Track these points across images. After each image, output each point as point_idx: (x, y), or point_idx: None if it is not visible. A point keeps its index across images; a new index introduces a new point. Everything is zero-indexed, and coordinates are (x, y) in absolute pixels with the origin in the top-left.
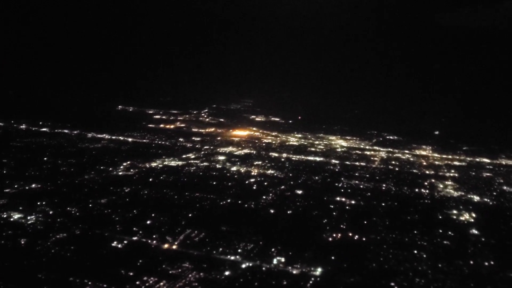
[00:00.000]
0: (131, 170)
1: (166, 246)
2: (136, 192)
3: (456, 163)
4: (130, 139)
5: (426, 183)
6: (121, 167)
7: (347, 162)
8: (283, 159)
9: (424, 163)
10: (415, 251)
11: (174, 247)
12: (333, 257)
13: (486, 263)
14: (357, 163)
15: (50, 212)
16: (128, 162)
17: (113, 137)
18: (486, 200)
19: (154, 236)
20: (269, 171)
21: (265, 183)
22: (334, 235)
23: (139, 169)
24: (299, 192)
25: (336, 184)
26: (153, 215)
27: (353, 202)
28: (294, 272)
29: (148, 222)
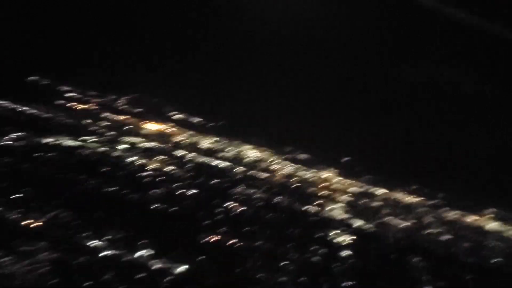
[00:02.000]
0: (19, 141)
1: (27, 222)
2: (14, 164)
3: (353, 189)
4: (30, 111)
5: (317, 203)
6: (8, 136)
7: (251, 172)
8: (187, 159)
9: (323, 184)
10: (284, 263)
11: (36, 224)
12: (200, 258)
13: (345, 283)
14: (260, 174)
15: None
16: (19, 134)
17: (12, 106)
18: (367, 226)
19: (17, 211)
20: (168, 168)
21: (159, 178)
22: (211, 237)
23: (28, 142)
24: (191, 192)
25: (232, 190)
26: (24, 190)
27: (241, 209)
28: (155, 267)
29: (16, 196)
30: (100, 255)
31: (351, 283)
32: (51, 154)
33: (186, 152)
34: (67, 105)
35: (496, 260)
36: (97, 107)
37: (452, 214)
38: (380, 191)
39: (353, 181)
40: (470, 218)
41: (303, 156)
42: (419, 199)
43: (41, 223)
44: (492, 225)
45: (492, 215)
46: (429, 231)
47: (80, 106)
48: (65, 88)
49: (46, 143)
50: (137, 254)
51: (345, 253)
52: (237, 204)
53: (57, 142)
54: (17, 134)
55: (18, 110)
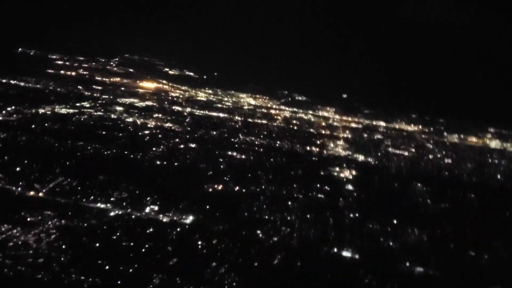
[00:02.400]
0: (14, 115)
1: (31, 193)
2: (13, 137)
3: (353, 125)
4: (22, 83)
5: (318, 142)
6: (3, 112)
7: (249, 120)
8: (185, 114)
9: (323, 124)
10: (289, 203)
11: (40, 194)
12: (207, 207)
13: (351, 215)
14: (259, 121)
15: None
16: (13, 107)
17: (3, 81)
18: (369, 160)
19: (20, 183)
20: (167, 124)
21: (159, 136)
22: (216, 186)
23: (24, 114)
24: (192, 145)
25: (232, 139)
26: (25, 162)
27: (243, 156)
28: (164, 220)
29: (18, 168)
30: (108, 216)
31: (356, 215)
32: (48, 123)
33: (184, 108)
34: (59, 73)
35: (499, 177)
36: (88, 72)
37: (453, 138)
38: (381, 123)
39: (353, 117)
40: (471, 140)
41: (300, 98)
42: (420, 127)
43: (44, 193)
44: (494, 143)
45: (493, 134)
46: (431, 157)
47: (72, 73)
48: (54, 56)
49: (42, 114)
50: (145, 211)
51: (348, 188)
52: (238, 152)
53: (52, 111)
54: (11, 107)
55: (8, 83)
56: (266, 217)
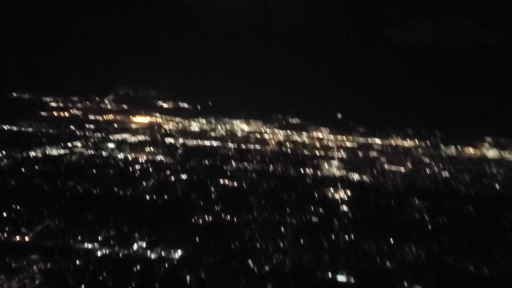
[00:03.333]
0: (4, 160)
1: (17, 238)
2: (1, 182)
3: (348, 144)
4: (14, 128)
5: (312, 164)
6: None
7: (243, 146)
8: (178, 145)
9: (317, 145)
10: (282, 229)
11: (26, 238)
12: (197, 239)
13: (347, 237)
14: (252, 146)
15: None
16: (3, 152)
17: None
18: (364, 178)
19: (6, 229)
20: (159, 157)
21: (150, 170)
22: (206, 217)
23: (14, 159)
24: (184, 176)
25: (225, 167)
26: (12, 206)
27: (235, 184)
28: (152, 256)
29: (5, 214)
30: (95, 256)
31: (351, 236)
32: (38, 166)
33: (176, 139)
34: (52, 114)
35: (497, 187)
36: (82, 111)
37: (450, 150)
38: (376, 141)
39: (348, 137)
40: (469, 150)
41: (294, 120)
42: (416, 141)
43: (31, 237)
44: (491, 153)
45: (490, 143)
46: (428, 171)
47: (65, 114)
48: (48, 98)
49: (33, 156)
50: (132, 248)
51: (343, 208)
52: (230, 180)
53: (43, 153)
54: (1, 153)
55: (1, 129)
56: (258, 245)
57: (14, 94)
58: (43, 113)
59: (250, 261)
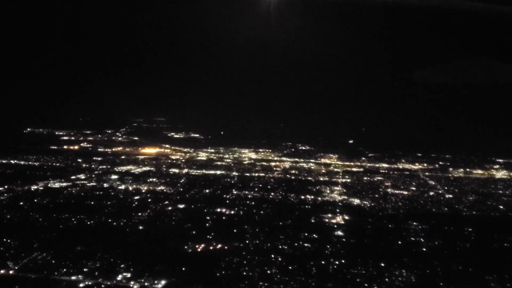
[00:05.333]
0: (5, 194)
1: (2, 271)
2: None
3: (354, 169)
4: (22, 162)
5: (314, 189)
6: None
7: (247, 174)
8: (181, 175)
9: (323, 171)
10: (272, 256)
11: (11, 272)
12: (183, 268)
13: (337, 262)
14: (256, 174)
15: None
16: (5, 186)
17: (3, 161)
18: (365, 203)
19: None
20: (159, 188)
21: (149, 200)
22: (196, 246)
23: (15, 192)
24: (181, 206)
25: (225, 195)
26: (3, 240)
27: (232, 212)
28: (135, 287)
29: None
30: (80, 286)
31: (342, 261)
32: (37, 199)
33: (181, 169)
34: (61, 148)
35: (502, 207)
36: (92, 144)
37: (458, 172)
38: (383, 165)
39: (355, 162)
40: (477, 172)
41: (304, 147)
42: (425, 165)
43: (16, 270)
44: (500, 174)
45: (501, 165)
46: (432, 193)
47: (75, 147)
48: (61, 132)
49: (34, 190)
50: (116, 279)
51: (338, 233)
52: (228, 208)
53: (45, 186)
54: (3, 187)
55: (8, 163)
56: (245, 273)
57: (29, 129)
58: (53, 147)
59: None
